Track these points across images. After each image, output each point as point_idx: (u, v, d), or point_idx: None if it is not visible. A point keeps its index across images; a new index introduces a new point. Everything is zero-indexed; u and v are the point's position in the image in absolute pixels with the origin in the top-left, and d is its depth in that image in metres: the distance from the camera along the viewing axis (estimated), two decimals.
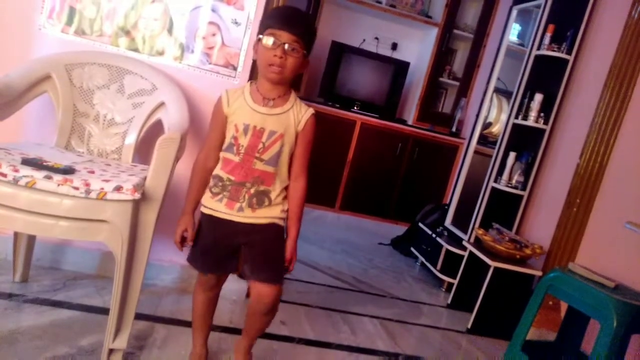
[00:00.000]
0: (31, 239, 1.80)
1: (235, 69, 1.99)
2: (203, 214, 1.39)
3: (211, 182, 1.38)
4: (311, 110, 1.39)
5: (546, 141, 2.69)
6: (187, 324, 1.80)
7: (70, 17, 1.85)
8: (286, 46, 1.26)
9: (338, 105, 3.85)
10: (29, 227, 1.35)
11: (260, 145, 1.33)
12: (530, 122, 2.68)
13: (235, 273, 1.45)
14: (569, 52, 2.61)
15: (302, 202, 1.42)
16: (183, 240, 1.39)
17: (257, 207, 1.35)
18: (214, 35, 1.95)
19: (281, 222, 1.40)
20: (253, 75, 2.03)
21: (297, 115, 1.36)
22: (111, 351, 1.45)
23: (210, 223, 1.38)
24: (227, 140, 1.35)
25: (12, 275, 1.80)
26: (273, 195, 1.37)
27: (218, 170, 1.37)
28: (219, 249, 1.39)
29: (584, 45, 2.61)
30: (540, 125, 2.66)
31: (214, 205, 1.36)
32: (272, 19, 1.29)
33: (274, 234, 1.39)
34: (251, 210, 1.35)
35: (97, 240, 1.36)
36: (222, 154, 1.37)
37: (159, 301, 1.93)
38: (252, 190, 1.34)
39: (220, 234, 1.37)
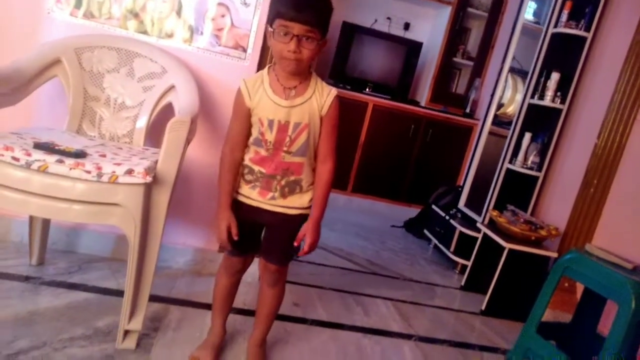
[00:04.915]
0: (46, 222, 1.82)
1: (245, 50, 1.96)
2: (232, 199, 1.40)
3: (244, 170, 1.37)
4: (334, 93, 1.33)
5: (563, 121, 2.63)
6: (202, 305, 1.82)
7: (78, 0, 1.83)
8: (300, 37, 1.20)
9: (350, 87, 3.81)
10: (43, 211, 1.36)
11: (287, 139, 1.31)
12: (547, 101, 2.62)
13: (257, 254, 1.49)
14: (587, 30, 2.53)
15: (328, 185, 1.38)
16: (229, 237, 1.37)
17: (288, 195, 1.37)
18: (223, 16, 1.93)
19: (309, 212, 1.40)
20: (263, 57, 2.00)
21: (319, 100, 1.32)
22: (127, 332, 1.47)
23: (238, 206, 1.39)
24: (254, 135, 1.33)
25: (28, 259, 1.83)
26: (304, 183, 1.37)
27: (248, 162, 1.36)
28: (245, 229, 1.39)
29: (603, 22, 2.54)
30: (557, 105, 2.60)
31: (246, 192, 1.37)
32: (281, 6, 1.20)
33: (297, 224, 1.39)
34: (283, 198, 1.36)
35: (110, 224, 1.37)
36: (251, 147, 1.36)
37: (173, 283, 1.95)
38: (282, 182, 1.35)
39: (247, 215, 1.38)
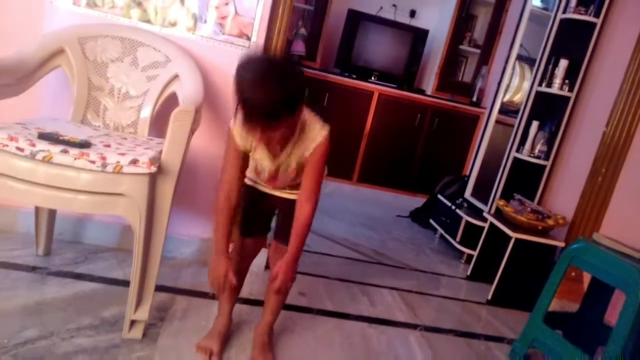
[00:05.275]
0: (52, 213, 1.82)
1: (249, 39, 1.95)
2: (244, 184, 1.46)
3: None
4: (319, 138, 1.30)
5: (571, 109, 2.59)
6: (207, 295, 1.83)
7: None
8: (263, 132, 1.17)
9: (355, 76, 3.78)
10: (48, 202, 1.36)
11: (278, 179, 1.41)
12: (555, 89, 2.59)
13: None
14: (596, 15, 2.49)
15: (306, 229, 1.38)
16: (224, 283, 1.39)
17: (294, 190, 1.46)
18: (226, 4, 1.91)
19: None
20: (267, 46, 1.98)
21: (303, 146, 1.32)
22: (133, 322, 1.48)
23: (250, 190, 1.48)
24: (254, 165, 1.42)
25: (35, 249, 1.83)
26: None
27: (253, 172, 1.45)
28: (257, 211, 1.50)
29: (613, 8, 2.49)
30: (565, 92, 2.57)
31: (257, 179, 1.47)
32: (241, 98, 1.12)
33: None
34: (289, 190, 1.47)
35: (115, 214, 1.37)
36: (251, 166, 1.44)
37: (179, 273, 1.95)
38: (287, 189, 1.46)
39: (258, 199, 1.48)
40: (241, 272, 1.56)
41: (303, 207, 1.36)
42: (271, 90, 1.11)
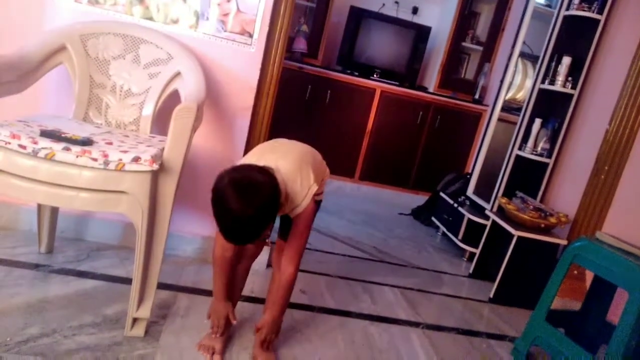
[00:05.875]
0: (54, 210, 1.82)
1: (251, 36, 1.94)
2: None
3: None
4: (304, 204, 1.35)
5: (574, 107, 2.59)
6: (210, 293, 1.81)
7: None
8: None
9: (357, 73, 3.76)
10: (50, 199, 1.36)
11: None
12: (558, 86, 2.58)
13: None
14: (600, 12, 2.48)
15: (287, 291, 1.42)
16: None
17: None
18: (228, 1, 1.90)
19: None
20: (269, 43, 1.98)
21: (289, 209, 1.36)
22: (135, 320, 1.48)
23: None
24: None
25: (37, 247, 1.83)
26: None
27: None
28: None
29: (616, 4, 2.48)
30: (568, 90, 2.56)
31: None
32: (218, 224, 1.23)
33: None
34: None
35: (117, 212, 1.36)
36: None
37: (181, 271, 1.95)
38: None
39: None
40: (242, 272, 1.57)
41: (285, 269, 1.39)
42: (244, 223, 1.19)
